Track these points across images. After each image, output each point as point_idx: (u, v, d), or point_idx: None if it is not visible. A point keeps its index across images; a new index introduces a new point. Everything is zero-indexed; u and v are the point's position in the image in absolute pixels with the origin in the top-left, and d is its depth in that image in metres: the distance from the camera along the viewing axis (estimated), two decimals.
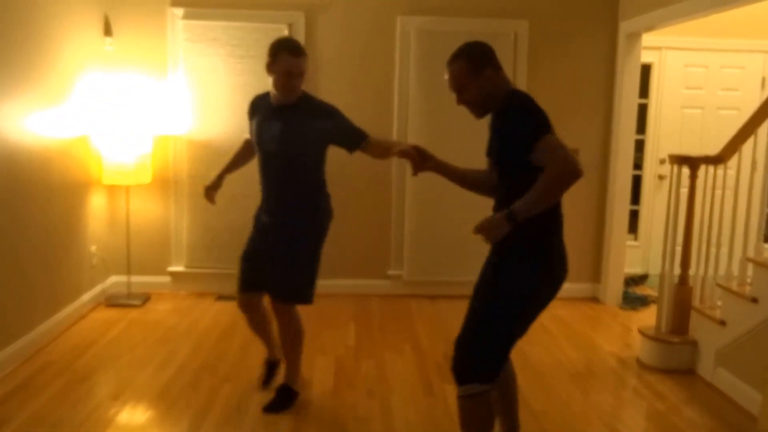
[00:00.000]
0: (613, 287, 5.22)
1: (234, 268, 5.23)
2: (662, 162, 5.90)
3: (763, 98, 4.43)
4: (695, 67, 5.91)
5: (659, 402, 3.47)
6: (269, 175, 3.16)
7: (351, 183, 5.01)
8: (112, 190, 4.97)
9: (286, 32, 4.97)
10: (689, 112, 5.95)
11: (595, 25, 5.13)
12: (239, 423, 3.11)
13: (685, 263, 3.97)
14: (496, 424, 2.51)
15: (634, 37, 4.95)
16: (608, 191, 5.21)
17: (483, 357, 2.38)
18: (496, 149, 2.39)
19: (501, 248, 2.39)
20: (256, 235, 3.29)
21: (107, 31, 4.87)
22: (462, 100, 2.42)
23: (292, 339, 3.25)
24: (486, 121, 2.45)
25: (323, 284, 5.21)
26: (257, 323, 3.43)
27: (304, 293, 3.18)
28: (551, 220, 2.38)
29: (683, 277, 3.97)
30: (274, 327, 3.34)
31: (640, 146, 5.86)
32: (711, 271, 3.92)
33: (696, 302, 3.94)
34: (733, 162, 3.85)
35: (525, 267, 2.36)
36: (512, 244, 2.34)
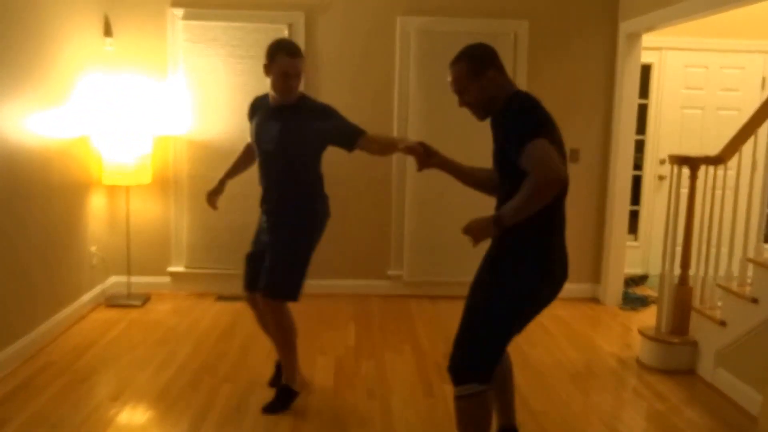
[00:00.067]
0: (613, 287, 5.22)
1: (234, 269, 5.23)
2: (662, 162, 5.90)
3: (763, 98, 4.43)
4: (695, 68, 5.91)
5: (659, 402, 3.47)
6: (268, 175, 3.20)
7: (351, 183, 5.01)
8: (112, 190, 4.98)
9: (286, 32, 4.97)
10: (689, 112, 5.95)
11: (595, 25, 5.13)
12: (239, 423, 3.10)
13: (685, 263, 3.97)
14: (493, 420, 2.51)
15: (634, 37, 4.95)
16: (608, 191, 5.21)
17: (480, 357, 2.38)
18: (495, 150, 2.39)
19: (499, 248, 2.39)
20: (259, 235, 3.33)
21: (107, 31, 4.87)
22: (463, 101, 2.43)
23: (284, 337, 3.25)
24: (485, 122, 2.45)
25: (323, 284, 5.24)
26: (265, 322, 3.43)
27: (290, 290, 3.19)
28: (551, 220, 2.37)
29: (683, 278, 3.97)
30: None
31: (640, 146, 5.86)
32: (711, 271, 3.92)
33: (696, 303, 3.94)
34: (733, 162, 3.84)
35: (523, 267, 2.36)
36: (511, 244, 2.34)
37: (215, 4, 4.98)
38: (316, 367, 3.78)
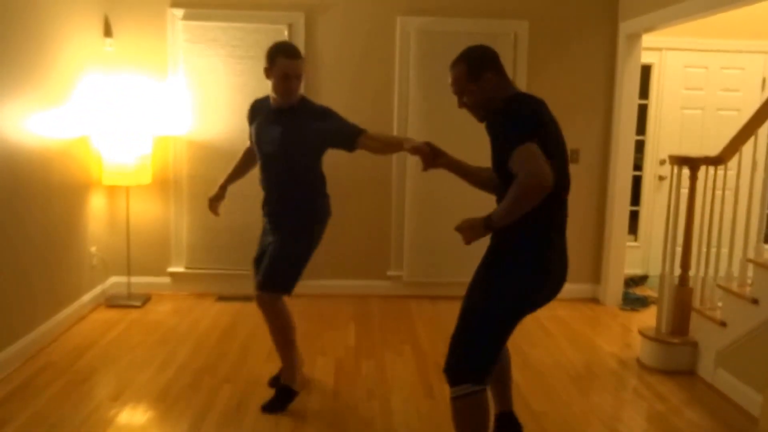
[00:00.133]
0: (613, 288, 5.22)
1: (234, 269, 5.26)
2: (662, 163, 5.90)
3: (763, 99, 4.43)
4: (695, 68, 5.91)
5: (659, 403, 3.47)
6: (270, 177, 3.22)
7: (351, 183, 5.00)
8: (112, 190, 4.97)
9: (285, 33, 4.97)
10: (689, 112, 5.95)
11: (595, 25, 5.13)
12: (239, 423, 3.10)
13: (685, 264, 3.97)
14: (491, 417, 2.52)
15: (634, 37, 4.95)
16: (608, 192, 5.21)
17: (477, 358, 2.38)
18: (492, 152, 2.39)
19: (499, 248, 2.39)
20: (263, 239, 3.36)
21: (107, 32, 4.87)
22: (463, 103, 2.45)
23: (281, 334, 3.25)
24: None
25: (323, 284, 5.24)
26: None
27: (284, 284, 3.20)
28: (552, 220, 2.38)
29: (683, 278, 3.97)
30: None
31: (640, 147, 5.87)
32: (711, 272, 3.92)
33: (696, 303, 3.93)
34: (733, 163, 3.84)
35: (523, 267, 2.36)
36: (511, 244, 2.35)
37: (215, 4, 4.98)
38: (316, 368, 3.78)
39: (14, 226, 3.69)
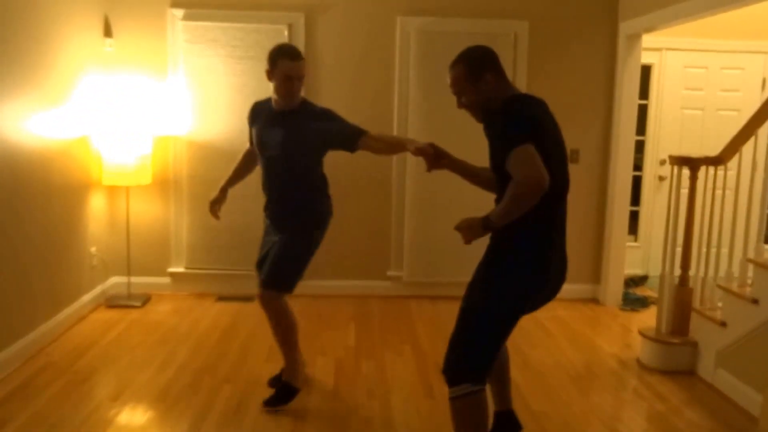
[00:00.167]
0: (613, 288, 5.21)
1: (234, 269, 5.26)
2: (662, 163, 5.90)
3: (763, 99, 4.43)
4: (695, 68, 5.91)
5: (660, 403, 3.47)
6: (272, 179, 3.24)
7: (351, 183, 5.00)
8: (112, 190, 4.97)
9: (285, 33, 4.97)
10: (689, 113, 5.95)
11: (595, 26, 5.13)
12: (239, 424, 3.10)
13: (685, 264, 3.97)
14: (489, 414, 2.53)
15: (634, 38, 4.95)
16: (608, 192, 5.21)
17: (475, 358, 2.39)
18: (490, 152, 2.40)
19: (498, 248, 2.40)
20: (264, 234, 3.38)
21: (107, 32, 4.87)
22: (461, 103, 2.45)
23: (284, 332, 3.27)
24: None
25: (323, 285, 5.23)
26: None
27: (286, 282, 3.22)
28: (552, 221, 2.38)
29: (683, 278, 3.97)
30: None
31: (640, 147, 5.87)
32: (711, 272, 3.92)
33: (696, 303, 3.93)
34: (733, 163, 3.84)
35: (522, 268, 2.37)
36: (510, 244, 2.35)
37: (215, 4, 4.98)
38: (317, 368, 3.78)
39: (14, 226, 3.69)
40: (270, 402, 3.25)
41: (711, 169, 3.87)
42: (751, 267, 3.56)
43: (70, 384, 3.47)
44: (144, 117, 4.93)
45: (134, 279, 4.97)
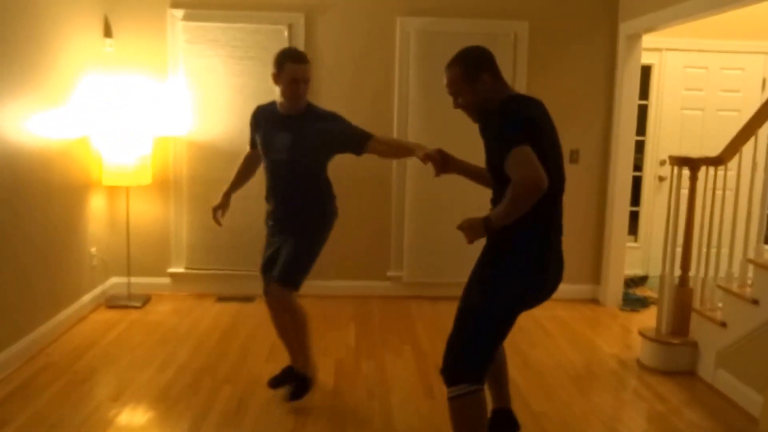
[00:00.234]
0: (613, 289, 5.21)
1: (234, 269, 5.26)
2: (662, 163, 5.90)
3: (764, 99, 4.43)
4: (695, 69, 5.91)
5: (660, 403, 3.47)
6: (279, 183, 3.25)
7: (351, 184, 5.00)
8: (112, 191, 4.97)
9: (285, 33, 4.97)
10: (689, 113, 5.95)
11: (595, 26, 5.13)
12: (239, 424, 3.11)
13: (685, 265, 3.97)
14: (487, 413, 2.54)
15: (634, 38, 4.95)
16: (608, 192, 5.21)
17: (473, 357, 2.39)
18: (487, 156, 2.41)
19: (496, 248, 2.40)
20: (267, 237, 3.38)
21: (107, 32, 4.87)
22: (458, 104, 2.46)
23: (300, 328, 3.31)
24: None
25: (324, 285, 5.22)
26: (284, 326, 3.48)
27: (299, 280, 3.25)
28: (549, 221, 2.39)
29: (683, 279, 3.97)
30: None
31: (640, 147, 5.87)
32: (711, 272, 3.92)
33: (696, 304, 3.93)
34: (733, 163, 3.84)
35: (521, 267, 2.38)
36: (508, 244, 2.35)
37: (215, 5, 4.98)
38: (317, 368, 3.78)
39: (14, 227, 3.69)
40: (295, 396, 3.29)
41: (711, 170, 3.87)
42: (751, 267, 3.56)
43: (70, 384, 3.47)
44: (144, 117, 4.93)
45: (134, 279, 4.96)
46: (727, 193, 3.89)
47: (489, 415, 2.65)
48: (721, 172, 3.85)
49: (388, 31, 5.08)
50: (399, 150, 3.39)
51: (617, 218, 5.15)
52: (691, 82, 5.92)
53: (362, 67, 5.11)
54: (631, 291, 5.54)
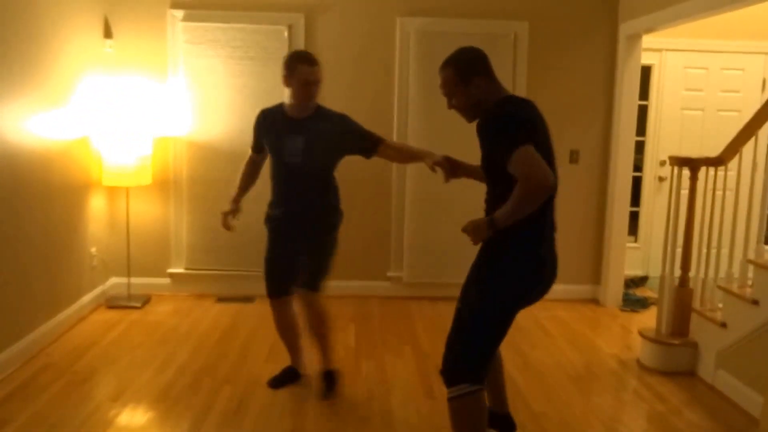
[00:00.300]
0: (613, 289, 5.21)
1: (234, 269, 5.25)
2: (662, 164, 5.90)
3: (764, 100, 4.43)
4: (695, 69, 5.91)
5: (660, 404, 3.47)
6: (292, 185, 3.26)
7: (351, 184, 4.95)
8: (112, 191, 4.98)
9: (285, 34, 4.97)
10: (689, 113, 5.96)
11: (595, 26, 5.13)
12: (239, 424, 3.11)
13: (685, 265, 3.97)
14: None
15: (635, 38, 4.95)
16: (608, 192, 5.21)
17: (473, 357, 2.41)
18: (483, 156, 2.42)
19: (493, 248, 2.41)
20: (277, 241, 3.37)
21: (107, 33, 4.87)
22: (451, 105, 2.49)
23: (325, 326, 3.41)
24: None
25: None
26: (287, 328, 3.53)
27: (323, 283, 3.35)
28: (544, 221, 2.41)
29: (683, 279, 3.97)
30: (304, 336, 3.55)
31: (640, 148, 5.87)
32: (711, 273, 3.91)
33: (696, 304, 3.93)
34: (733, 164, 3.84)
35: (519, 268, 2.39)
36: (505, 244, 2.37)
37: (215, 5, 4.98)
38: (317, 368, 3.78)
39: (15, 227, 3.70)
40: (330, 390, 3.40)
41: (711, 170, 3.87)
42: (751, 268, 3.56)
43: (70, 384, 3.47)
44: (144, 118, 4.94)
45: (134, 280, 4.97)
46: (727, 193, 3.88)
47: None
48: (721, 173, 3.85)
49: (388, 32, 5.08)
50: (408, 156, 3.44)
51: (617, 218, 5.15)
52: (691, 82, 5.92)
53: (362, 67, 5.11)
54: (631, 291, 5.54)
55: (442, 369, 2.45)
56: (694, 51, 5.84)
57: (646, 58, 5.29)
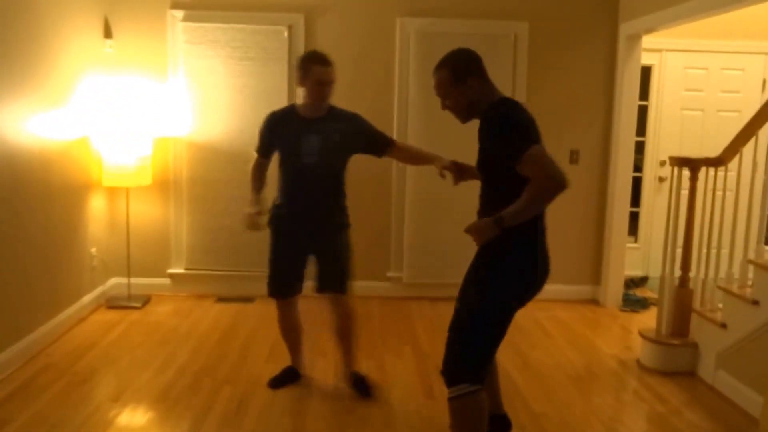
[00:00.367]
0: (613, 289, 5.21)
1: (234, 270, 5.24)
2: (662, 164, 5.90)
3: (764, 100, 4.43)
4: (695, 69, 5.91)
5: (660, 404, 3.47)
6: (308, 185, 3.25)
7: (351, 184, 4.96)
8: (112, 191, 4.98)
9: (285, 34, 4.97)
10: (689, 113, 5.96)
11: (595, 26, 5.13)
12: (239, 424, 3.10)
13: (685, 265, 3.97)
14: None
15: (635, 38, 4.95)
16: (608, 193, 5.21)
17: (473, 357, 2.42)
18: (482, 156, 2.44)
19: (491, 248, 2.42)
20: (286, 241, 3.35)
21: (107, 33, 4.88)
22: (445, 105, 2.53)
23: (355, 327, 3.46)
24: None
25: None
26: (292, 329, 3.55)
27: (349, 285, 3.39)
28: (537, 222, 2.44)
29: (684, 280, 3.97)
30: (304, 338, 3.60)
31: (640, 148, 5.87)
32: (712, 273, 3.91)
33: (696, 305, 3.93)
34: (733, 164, 3.84)
35: (517, 268, 2.41)
36: (503, 244, 2.38)
37: (215, 6, 4.98)
38: (317, 369, 3.78)
39: (15, 227, 3.69)
40: (368, 395, 3.40)
41: (711, 170, 3.87)
42: (751, 268, 3.56)
43: (70, 385, 3.47)
44: (144, 118, 4.94)
45: (134, 280, 4.96)
46: (728, 193, 3.88)
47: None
48: (721, 173, 3.85)
49: (388, 32, 5.08)
50: (416, 158, 3.47)
51: (617, 219, 5.15)
52: (691, 82, 5.92)
53: (362, 67, 5.11)
54: (631, 292, 5.54)
55: (442, 369, 2.46)
56: (694, 51, 5.84)
57: (646, 59, 5.29)
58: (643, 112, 5.67)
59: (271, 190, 3.41)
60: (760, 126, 3.66)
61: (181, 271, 5.21)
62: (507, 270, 2.40)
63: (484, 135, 2.40)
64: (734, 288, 3.63)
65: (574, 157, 5.15)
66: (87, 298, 4.65)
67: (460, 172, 2.81)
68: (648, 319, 4.71)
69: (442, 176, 2.90)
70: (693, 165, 3.88)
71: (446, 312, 2.69)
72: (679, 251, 3.99)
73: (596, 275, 5.33)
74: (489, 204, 2.43)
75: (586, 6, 5.12)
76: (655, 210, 5.96)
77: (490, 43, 4.96)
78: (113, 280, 5.05)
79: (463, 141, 4.00)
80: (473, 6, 5.07)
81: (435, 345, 4.17)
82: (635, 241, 6.07)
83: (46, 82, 4.00)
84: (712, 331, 3.73)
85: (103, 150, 4.70)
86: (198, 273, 5.20)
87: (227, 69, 5.01)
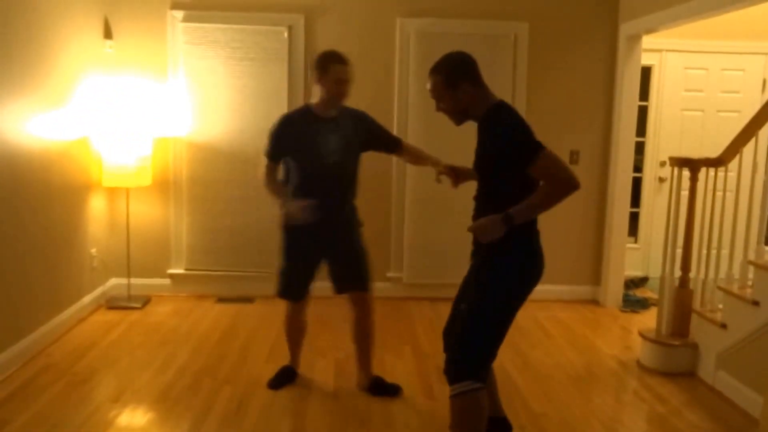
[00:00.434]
0: (613, 290, 5.21)
1: (234, 270, 5.24)
2: (662, 164, 5.90)
3: (764, 100, 4.43)
4: (695, 70, 5.92)
5: (660, 405, 3.47)
6: (331, 184, 3.24)
7: None
8: (112, 192, 4.97)
9: (285, 35, 4.97)
10: (689, 114, 5.96)
11: (595, 27, 5.13)
12: (239, 425, 3.10)
13: (685, 266, 3.97)
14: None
15: (635, 39, 4.95)
16: (608, 193, 5.21)
17: (475, 356, 2.45)
18: (483, 159, 2.47)
19: (491, 248, 2.43)
20: (307, 245, 3.30)
21: (107, 33, 4.88)
22: (439, 108, 2.55)
23: (373, 326, 3.50)
24: None
25: (323, 286, 5.19)
26: (299, 330, 3.57)
27: (371, 283, 3.44)
28: (533, 223, 2.47)
29: (684, 280, 3.97)
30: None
31: (640, 148, 5.87)
32: (712, 273, 3.91)
33: (697, 305, 3.93)
34: (733, 164, 3.84)
35: (517, 266, 2.45)
36: (502, 244, 2.39)
37: (215, 6, 4.98)
38: (316, 369, 3.78)
39: (15, 228, 3.69)
40: (396, 391, 3.45)
41: (711, 171, 3.87)
42: (751, 269, 3.56)
43: (70, 385, 3.47)
44: (144, 118, 4.94)
45: (134, 280, 4.96)
46: (728, 194, 3.88)
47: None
48: (721, 173, 3.85)
49: (388, 32, 5.08)
50: (419, 159, 3.48)
51: (617, 219, 5.15)
52: (691, 83, 5.92)
53: (362, 68, 5.05)
54: (631, 292, 5.54)
55: (445, 368, 2.49)
56: (694, 52, 5.84)
57: (646, 59, 5.29)
58: (643, 112, 5.68)
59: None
60: (760, 126, 3.67)
61: (181, 271, 5.21)
62: (510, 269, 2.43)
63: (486, 140, 2.42)
64: (734, 288, 3.63)
65: (574, 157, 5.15)
66: (87, 299, 4.65)
67: (457, 175, 2.84)
68: (648, 320, 4.71)
69: (438, 181, 2.92)
70: (693, 165, 3.88)
71: (446, 312, 2.70)
72: (679, 251, 3.99)
73: (596, 275, 5.33)
74: (486, 205, 2.46)
75: (586, 6, 5.12)
76: (655, 210, 5.96)
77: (490, 44, 4.96)
78: (113, 281, 5.05)
79: (463, 141, 4.00)
80: (473, 6, 5.07)
81: (435, 345, 4.15)
82: (635, 242, 6.07)
83: (46, 82, 4.00)
84: (712, 332, 3.73)
85: (103, 150, 4.70)
86: (198, 273, 5.20)
87: (227, 69, 5.01)
